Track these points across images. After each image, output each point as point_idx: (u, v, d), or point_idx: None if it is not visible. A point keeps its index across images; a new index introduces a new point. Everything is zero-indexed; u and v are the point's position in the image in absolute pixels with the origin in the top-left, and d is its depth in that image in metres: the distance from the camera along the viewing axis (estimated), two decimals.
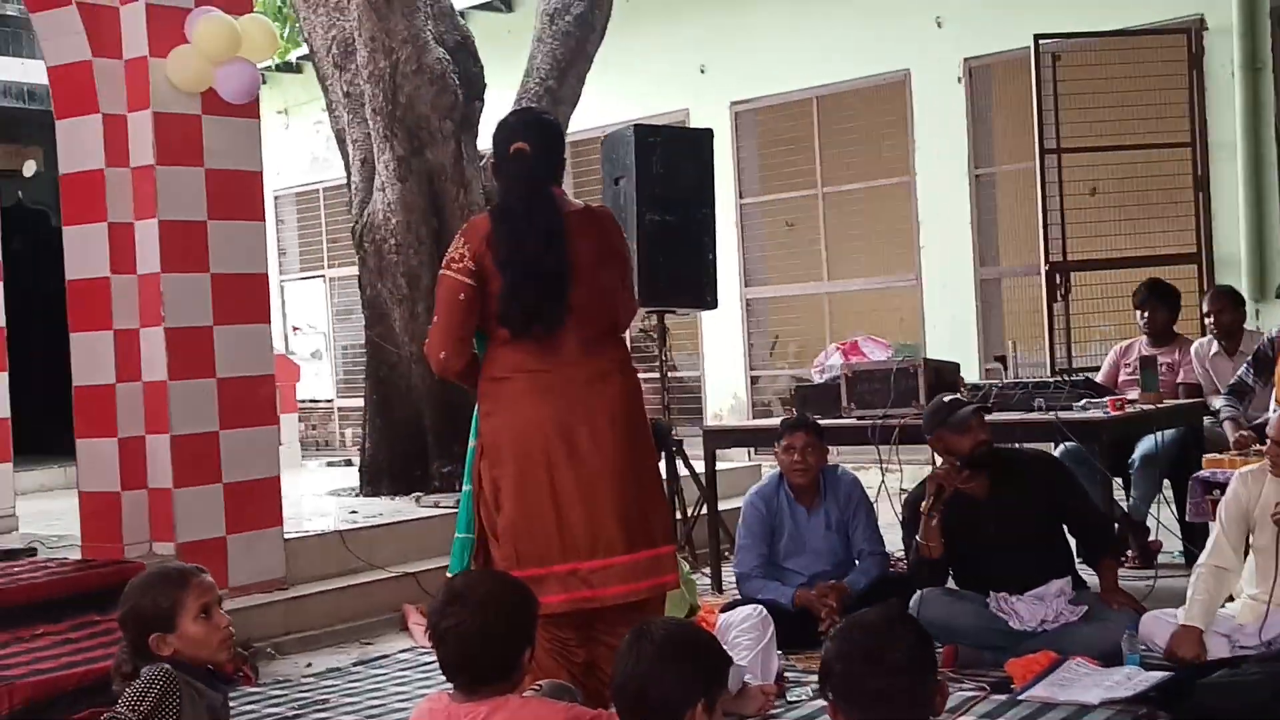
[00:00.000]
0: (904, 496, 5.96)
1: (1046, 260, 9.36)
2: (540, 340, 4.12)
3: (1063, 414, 6.35)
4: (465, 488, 4.28)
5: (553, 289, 4.10)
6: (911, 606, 5.62)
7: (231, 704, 3.58)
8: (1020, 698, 4.91)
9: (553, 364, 4.14)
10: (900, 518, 5.92)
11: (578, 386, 4.14)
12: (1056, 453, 6.80)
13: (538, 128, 4.38)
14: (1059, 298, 9.32)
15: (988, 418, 5.81)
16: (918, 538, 5.59)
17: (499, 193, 4.36)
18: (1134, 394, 7.01)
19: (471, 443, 4.26)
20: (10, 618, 6.18)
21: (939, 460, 5.75)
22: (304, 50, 12.02)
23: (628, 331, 4.63)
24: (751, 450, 10.94)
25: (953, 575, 5.80)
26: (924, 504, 5.56)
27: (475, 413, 4.26)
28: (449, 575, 4.17)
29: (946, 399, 5.78)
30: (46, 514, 9.41)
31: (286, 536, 7.27)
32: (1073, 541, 5.81)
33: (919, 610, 5.58)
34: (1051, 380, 7.16)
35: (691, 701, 2.86)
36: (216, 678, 3.54)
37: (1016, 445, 6.35)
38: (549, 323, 4.10)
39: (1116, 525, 6.72)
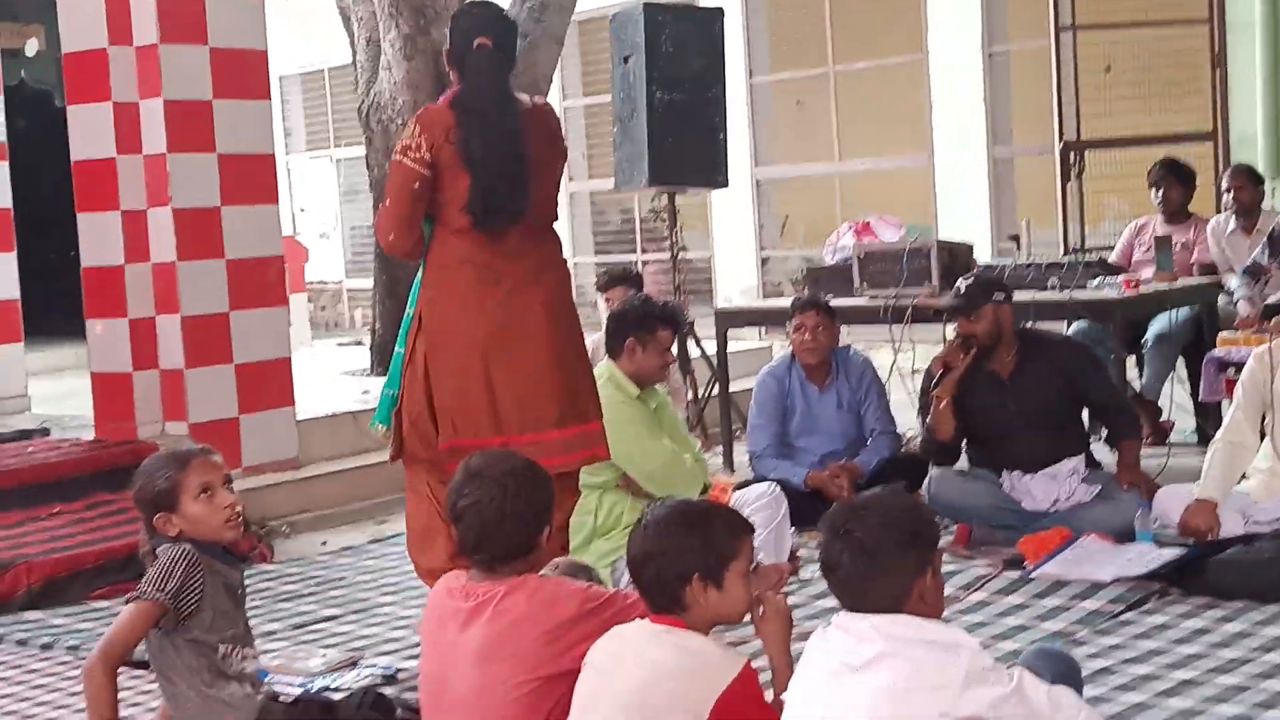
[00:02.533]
0: (927, 366, 5.91)
1: (1060, 139, 9.26)
2: (494, 233, 4.29)
3: (1077, 293, 6.32)
4: (398, 350, 4.47)
5: (516, 186, 4.27)
6: (925, 487, 5.63)
7: (249, 582, 3.60)
8: (1032, 575, 4.92)
9: (499, 256, 4.32)
10: (919, 389, 5.89)
11: (518, 279, 4.33)
12: (1069, 332, 6.78)
13: (500, 24, 4.46)
14: (1073, 176, 9.24)
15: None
16: (928, 419, 5.58)
17: (461, 85, 4.40)
18: (1148, 273, 6.97)
19: (409, 311, 4.46)
20: (26, 496, 6.25)
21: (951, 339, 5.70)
22: None
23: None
24: (762, 330, 10.92)
25: (966, 454, 5.79)
26: (934, 387, 5.55)
27: (415, 285, 4.45)
28: (371, 425, 4.55)
29: (972, 284, 5.68)
30: (59, 394, 9.43)
31: (299, 417, 7.28)
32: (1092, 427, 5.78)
33: (932, 490, 5.60)
34: (1065, 260, 7.12)
35: (687, 575, 2.87)
36: (232, 556, 3.56)
37: (1029, 324, 6.29)
38: (512, 218, 4.28)
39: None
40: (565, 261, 4.57)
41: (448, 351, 4.31)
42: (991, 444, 5.63)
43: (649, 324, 5.28)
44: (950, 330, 5.78)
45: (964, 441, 5.70)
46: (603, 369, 5.27)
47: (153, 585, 3.34)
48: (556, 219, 4.54)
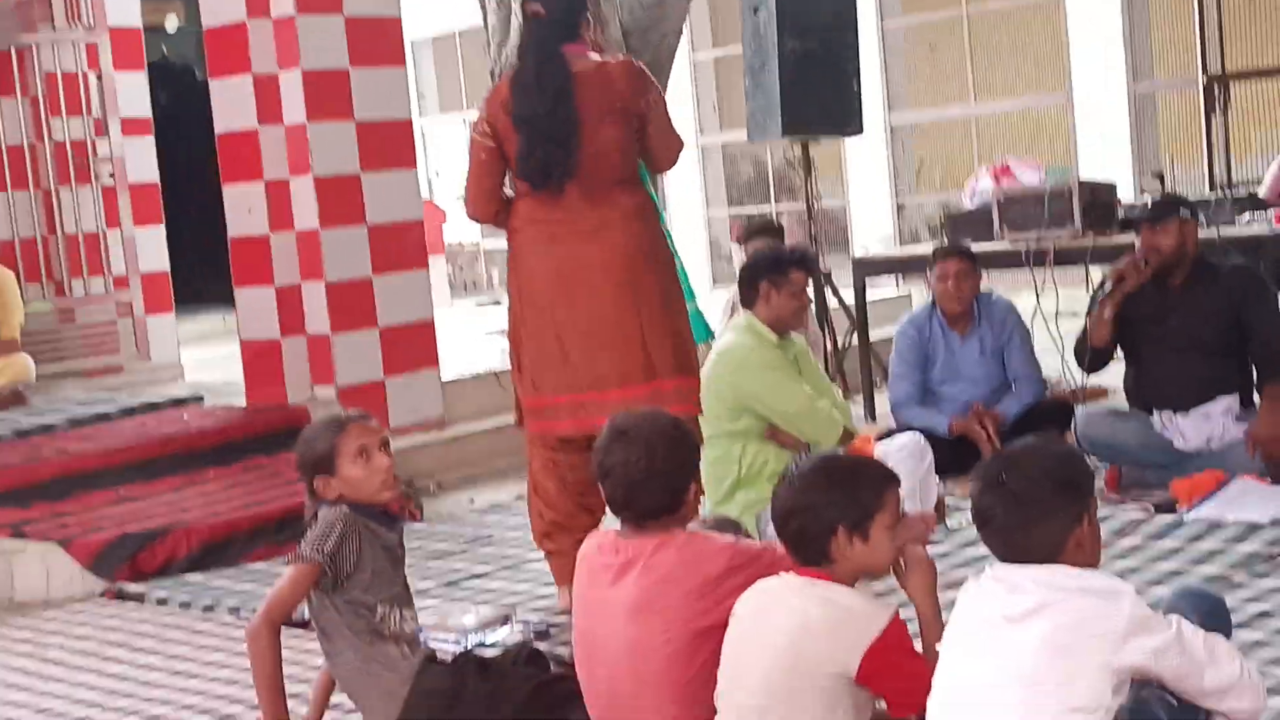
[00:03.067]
0: (1099, 282, 5.81)
1: (1204, 72, 9.03)
2: (553, 193, 4.43)
3: (1225, 229, 6.17)
4: None
5: (560, 145, 4.39)
6: (1074, 426, 5.55)
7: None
8: (1187, 518, 4.85)
9: (559, 216, 4.45)
10: (1086, 312, 5.79)
11: (579, 236, 4.44)
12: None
13: None
14: (1218, 111, 9.02)
15: None
16: (1088, 321, 5.51)
17: (518, 51, 4.63)
18: None
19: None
20: (182, 463, 6.43)
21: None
22: None
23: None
24: (900, 278, 10.82)
25: (1124, 389, 5.70)
26: (1103, 294, 5.49)
27: None
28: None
29: (1164, 196, 5.65)
30: (209, 362, 9.67)
31: (444, 379, 7.38)
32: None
33: (1081, 428, 5.52)
34: (1212, 196, 6.95)
35: (831, 528, 2.86)
36: (390, 517, 3.63)
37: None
38: (560, 176, 4.40)
39: None
40: (643, 217, 4.55)
41: (526, 311, 4.55)
42: (1147, 367, 5.54)
43: (781, 267, 5.24)
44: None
45: (1116, 351, 5.61)
46: (740, 320, 5.28)
47: (311, 547, 3.42)
48: (625, 176, 4.52)
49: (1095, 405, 5.67)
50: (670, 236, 4.69)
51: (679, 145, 4.65)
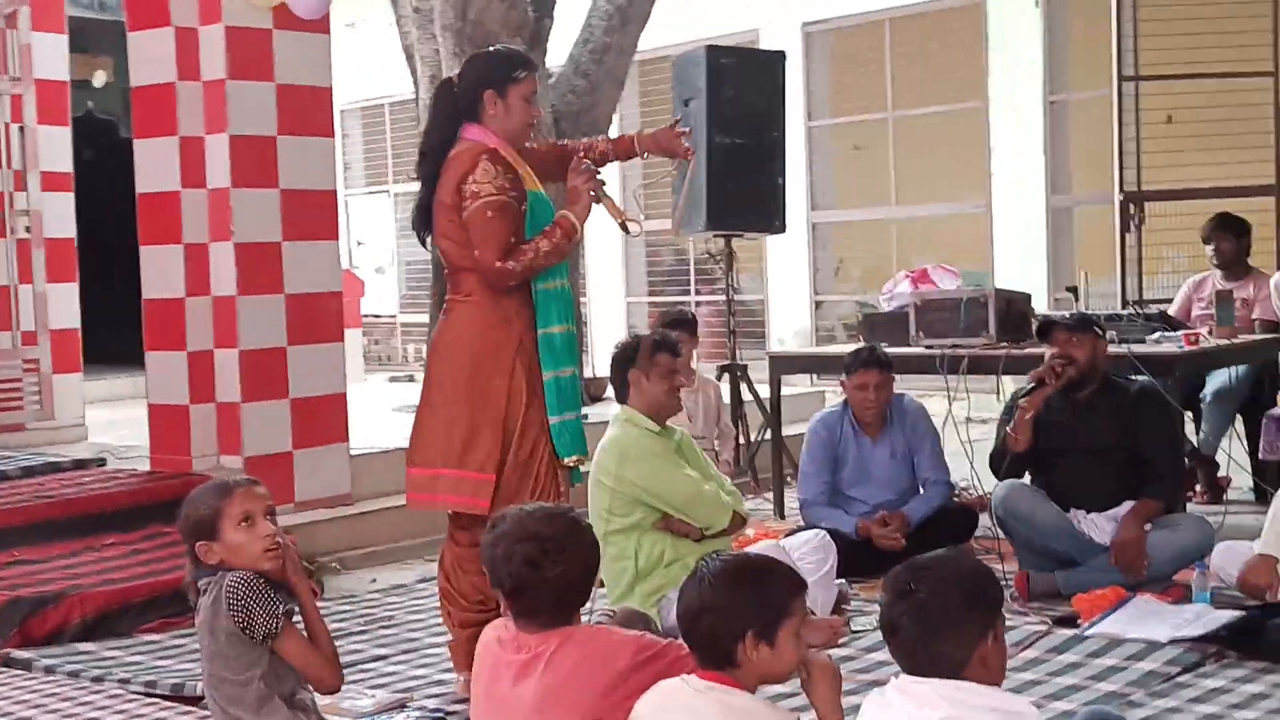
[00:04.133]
0: (1014, 390, 5.93)
1: (1121, 189, 9.20)
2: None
3: (1135, 347, 6.27)
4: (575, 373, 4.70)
5: (423, 223, 4.63)
6: (995, 496, 5.61)
7: (299, 619, 3.59)
8: (1087, 633, 4.88)
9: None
10: (997, 425, 5.89)
11: (444, 314, 4.65)
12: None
13: (468, 63, 4.73)
14: (1132, 228, 9.17)
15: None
16: (1008, 428, 5.61)
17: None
18: (1207, 328, 6.91)
19: None
20: (81, 526, 6.29)
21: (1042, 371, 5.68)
22: None
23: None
24: (814, 375, 10.88)
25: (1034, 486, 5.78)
26: (1022, 397, 5.60)
27: None
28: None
29: (1079, 313, 5.92)
30: (115, 424, 9.51)
31: (352, 452, 7.31)
32: None
33: (1001, 498, 5.57)
34: (1124, 312, 7.07)
35: (739, 633, 2.83)
36: (279, 590, 3.55)
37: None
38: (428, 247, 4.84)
39: (1186, 460, 6.66)
40: (471, 304, 4.50)
41: None
42: (1058, 474, 5.63)
43: (644, 353, 5.18)
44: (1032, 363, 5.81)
45: (1032, 463, 5.71)
46: (619, 413, 5.25)
47: (242, 625, 3.40)
48: (457, 264, 4.50)
49: (1016, 483, 5.71)
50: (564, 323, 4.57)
51: (484, 261, 4.40)
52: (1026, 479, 5.78)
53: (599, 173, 4.52)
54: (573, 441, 4.51)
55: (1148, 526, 5.43)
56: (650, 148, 4.86)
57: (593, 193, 4.46)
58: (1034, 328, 6.11)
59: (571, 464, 4.53)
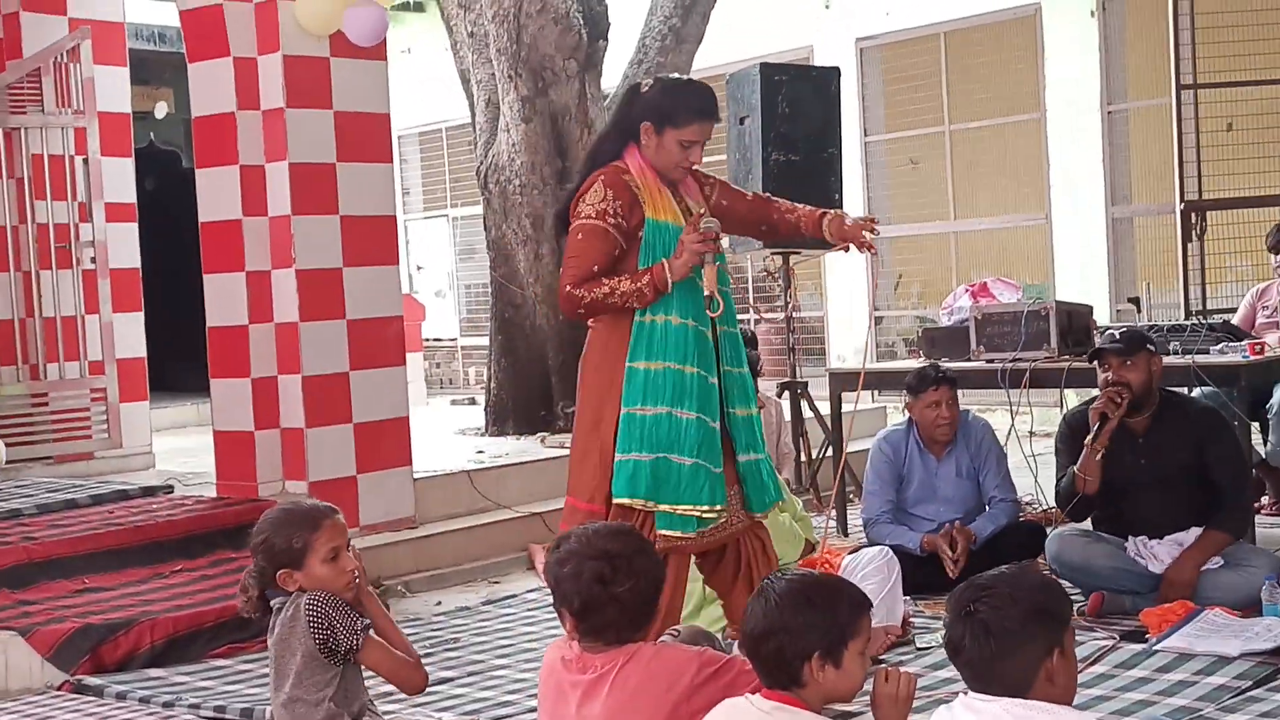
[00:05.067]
0: (1063, 418, 5.82)
1: (1181, 198, 9.12)
2: None
3: (1199, 358, 6.21)
4: None
5: (558, 235, 4.76)
6: (1047, 548, 5.55)
7: None
8: (1156, 648, 4.83)
9: None
10: (1054, 446, 5.80)
11: None
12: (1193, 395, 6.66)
13: (650, 84, 4.55)
14: (1194, 237, 9.08)
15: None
16: (1076, 469, 5.48)
17: None
18: (1273, 337, 6.84)
19: None
20: (150, 553, 6.36)
21: (1100, 385, 5.57)
22: None
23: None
24: (875, 392, 10.83)
25: (1091, 516, 5.70)
26: (1089, 437, 5.46)
27: None
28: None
29: (1130, 331, 5.70)
30: (181, 451, 9.61)
31: (415, 476, 7.35)
32: None
33: (1054, 551, 5.52)
34: (1187, 323, 7.00)
35: (806, 653, 2.82)
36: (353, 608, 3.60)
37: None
38: None
39: (1254, 471, 6.59)
40: (592, 328, 4.49)
41: None
42: (1119, 503, 5.54)
43: None
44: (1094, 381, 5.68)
45: (1101, 498, 5.59)
46: None
47: (347, 630, 3.47)
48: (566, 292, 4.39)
49: (1067, 528, 5.66)
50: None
51: (561, 281, 4.40)
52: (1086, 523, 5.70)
53: (717, 238, 4.29)
54: (629, 483, 4.28)
55: (1218, 562, 5.34)
56: (837, 234, 4.55)
57: (702, 255, 4.25)
58: (1091, 346, 5.93)
59: (624, 503, 4.30)
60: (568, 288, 4.32)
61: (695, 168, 4.52)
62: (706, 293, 4.26)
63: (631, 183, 4.35)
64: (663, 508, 4.25)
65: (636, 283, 4.27)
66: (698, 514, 4.27)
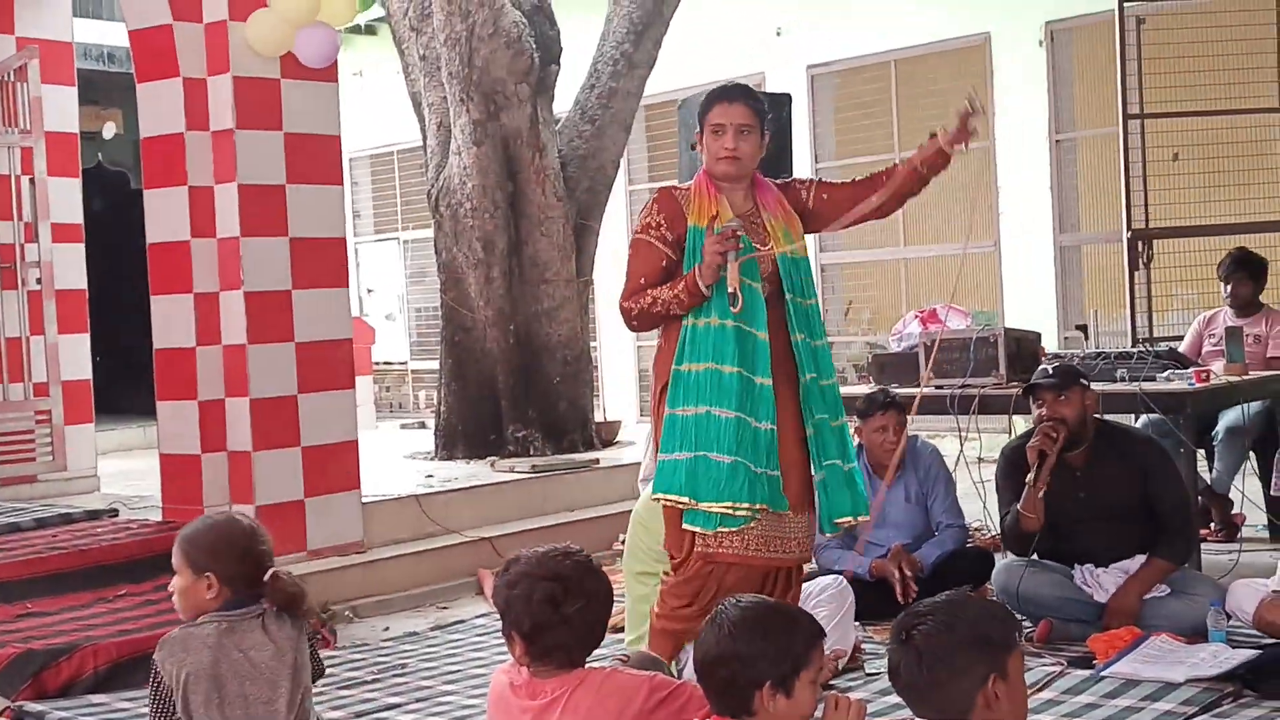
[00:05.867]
0: (1001, 451, 5.82)
1: (1129, 227, 9.20)
2: None
3: (1146, 385, 6.26)
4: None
5: None
6: (994, 579, 5.56)
7: None
8: (1103, 674, 4.85)
9: None
10: (995, 475, 5.81)
11: None
12: (1138, 424, 6.71)
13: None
14: (1141, 265, 9.15)
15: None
16: (1019, 507, 5.46)
17: None
18: (1218, 365, 6.90)
19: None
20: (94, 578, 6.29)
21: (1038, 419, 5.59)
22: (380, 12, 12.02)
23: None
24: None
25: (1035, 546, 5.71)
26: (1029, 476, 5.45)
27: None
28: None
29: (1062, 365, 5.70)
30: (127, 474, 9.52)
31: (364, 500, 7.31)
32: None
33: (1000, 582, 5.54)
34: (1134, 350, 7.06)
35: (758, 683, 2.81)
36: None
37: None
38: None
39: (1200, 498, 6.64)
40: (661, 340, 4.58)
41: None
42: (1062, 535, 5.56)
43: None
44: (1026, 414, 5.71)
45: (1046, 533, 5.58)
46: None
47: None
48: (621, 307, 4.63)
49: (1013, 558, 5.67)
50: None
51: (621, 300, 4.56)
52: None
53: (737, 236, 4.33)
54: (668, 479, 4.33)
55: (1164, 589, 5.36)
56: (949, 140, 4.88)
57: (722, 254, 4.30)
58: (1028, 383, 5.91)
59: (661, 499, 4.37)
60: (622, 302, 4.50)
61: (789, 180, 4.77)
62: (730, 290, 4.31)
63: (680, 195, 4.51)
64: (702, 506, 4.28)
65: (674, 290, 4.38)
66: (730, 510, 4.26)
